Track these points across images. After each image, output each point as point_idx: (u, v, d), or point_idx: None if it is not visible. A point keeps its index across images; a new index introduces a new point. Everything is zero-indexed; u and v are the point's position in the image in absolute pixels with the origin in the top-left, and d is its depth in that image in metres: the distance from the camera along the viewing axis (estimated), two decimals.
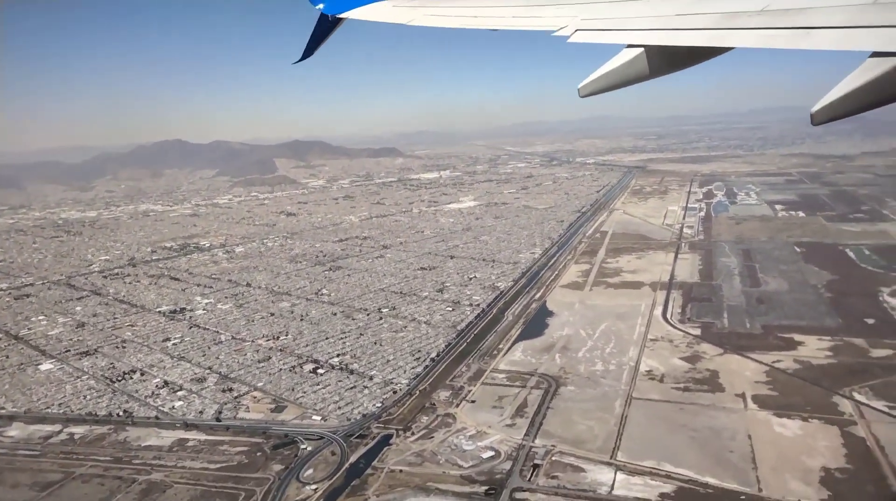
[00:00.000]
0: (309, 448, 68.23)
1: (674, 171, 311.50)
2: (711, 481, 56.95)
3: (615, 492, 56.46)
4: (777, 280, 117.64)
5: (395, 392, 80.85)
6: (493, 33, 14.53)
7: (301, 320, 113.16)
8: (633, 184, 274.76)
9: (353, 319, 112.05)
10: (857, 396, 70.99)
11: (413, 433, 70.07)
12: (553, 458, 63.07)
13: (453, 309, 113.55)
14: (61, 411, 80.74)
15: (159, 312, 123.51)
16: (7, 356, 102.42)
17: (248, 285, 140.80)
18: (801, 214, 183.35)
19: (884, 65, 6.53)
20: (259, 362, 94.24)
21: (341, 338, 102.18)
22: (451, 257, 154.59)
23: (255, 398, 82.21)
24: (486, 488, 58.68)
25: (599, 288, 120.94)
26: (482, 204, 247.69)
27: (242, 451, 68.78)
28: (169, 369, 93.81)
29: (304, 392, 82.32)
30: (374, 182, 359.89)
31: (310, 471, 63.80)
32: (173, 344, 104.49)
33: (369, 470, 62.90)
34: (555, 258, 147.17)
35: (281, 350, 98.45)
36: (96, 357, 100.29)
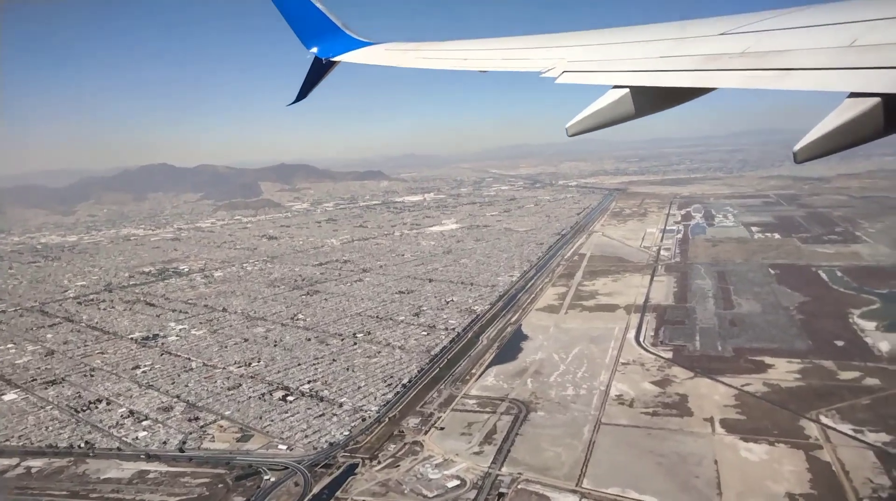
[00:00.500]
0: (272, 479, 67.01)
1: (654, 193, 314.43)
2: None
3: None
4: (750, 302, 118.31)
5: (363, 420, 79.92)
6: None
7: (274, 345, 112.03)
8: (614, 206, 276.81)
9: (327, 344, 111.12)
10: (823, 419, 71.07)
11: (379, 462, 69.12)
12: (519, 486, 62.36)
13: (428, 334, 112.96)
14: (20, 443, 78.92)
15: (131, 339, 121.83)
16: None
17: (224, 310, 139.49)
18: (777, 236, 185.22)
19: (861, 105, 6.76)
20: (229, 389, 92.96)
21: (313, 364, 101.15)
22: (430, 281, 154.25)
23: (221, 427, 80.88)
24: None
25: (575, 311, 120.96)
26: (464, 227, 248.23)
27: (204, 483, 67.43)
28: (136, 397, 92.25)
29: (272, 421, 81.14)
30: (358, 205, 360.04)
31: None
32: (143, 372, 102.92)
33: None
34: (532, 281, 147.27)
35: (252, 377, 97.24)
36: (63, 386, 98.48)
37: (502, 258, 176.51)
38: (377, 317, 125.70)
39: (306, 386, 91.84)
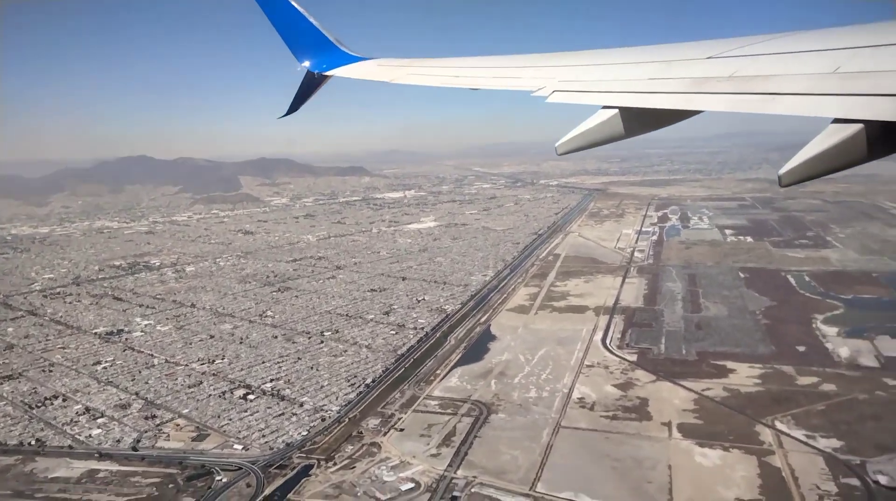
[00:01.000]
0: (224, 480, 66.07)
1: (633, 194, 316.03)
2: None
3: None
4: (718, 306, 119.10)
5: (323, 420, 79.17)
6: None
7: (240, 343, 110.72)
8: (592, 207, 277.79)
9: (294, 342, 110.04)
10: (778, 424, 71.59)
11: (335, 464, 68.48)
12: (473, 490, 62.05)
13: (397, 333, 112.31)
14: None
15: (95, 333, 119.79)
16: None
17: (193, 305, 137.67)
18: (749, 239, 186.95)
19: (844, 131, 6.89)
20: (189, 387, 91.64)
21: (278, 362, 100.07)
22: (403, 279, 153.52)
23: (177, 425, 79.67)
24: None
25: (545, 312, 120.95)
26: (442, 225, 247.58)
27: (154, 483, 66.30)
28: (94, 394, 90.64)
29: (230, 420, 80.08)
30: (338, 201, 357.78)
31: None
32: (103, 368, 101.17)
33: None
34: (505, 281, 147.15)
35: (214, 375, 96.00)
36: (19, 382, 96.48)
37: (477, 257, 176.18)
38: (347, 315, 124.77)
39: (268, 385, 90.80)
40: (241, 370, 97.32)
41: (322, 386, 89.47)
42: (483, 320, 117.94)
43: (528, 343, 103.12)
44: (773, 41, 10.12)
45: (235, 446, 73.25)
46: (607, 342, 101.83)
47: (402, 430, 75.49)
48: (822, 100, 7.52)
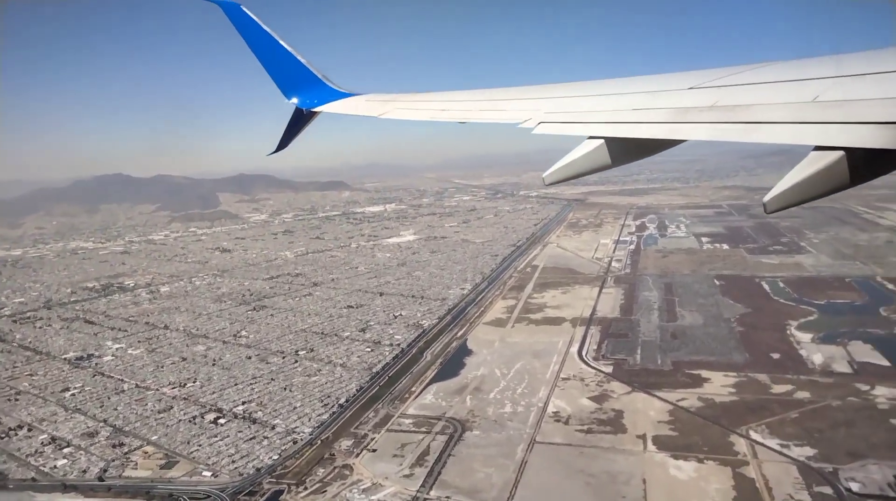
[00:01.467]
0: None
1: (611, 203, 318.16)
2: None
3: None
4: (693, 314, 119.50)
5: (295, 442, 77.70)
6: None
7: (213, 364, 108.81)
8: (571, 217, 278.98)
9: (268, 362, 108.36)
10: (752, 434, 71.52)
11: (306, 488, 67.16)
12: None
13: (372, 350, 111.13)
14: None
15: (65, 359, 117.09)
16: None
17: (166, 327, 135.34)
18: (725, 246, 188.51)
19: (825, 158, 7.02)
20: (159, 412, 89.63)
21: (251, 384, 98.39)
22: (381, 294, 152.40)
23: (146, 453, 77.73)
24: None
25: (521, 325, 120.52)
26: (422, 238, 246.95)
27: None
28: (60, 423, 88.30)
29: (200, 445, 78.31)
30: (318, 216, 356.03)
31: None
32: (71, 395, 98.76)
33: None
34: (483, 294, 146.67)
35: (185, 399, 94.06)
36: None
37: (456, 271, 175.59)
38: (322, 333, 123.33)
39: (240, 408, 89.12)
40: (213, 393, 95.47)
41: (295, 407, 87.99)
42: (460, 334, 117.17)
43: (504, 357, 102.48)
44: (753, 71, 10.37)
45: (204, 473, 71.55)
46: (583, 353, 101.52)
47: (374, 451, 74.31)
48: (802, 128, 7.70)
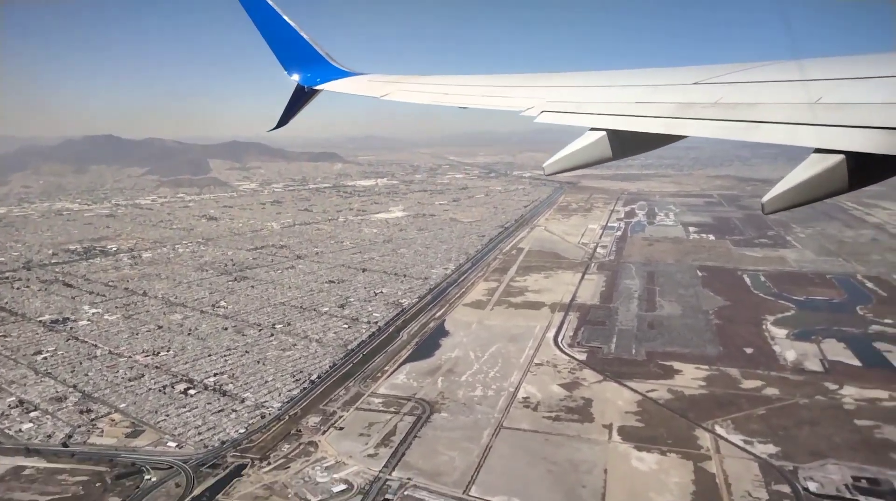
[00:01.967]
0: (154, 479, 64.27)
1: (603, 188, 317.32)
2: None
3: None
4: (672, 305, 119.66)
5: (263, 417, 77.57)
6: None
7: (188, 334, 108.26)
8: (562, 200, 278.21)
9: (244, 334, 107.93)
10: (718, 429, 71.86)
11: (269, 463, 67.09)
12: (406, 492, 61.19)
13: (350, 327, 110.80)
14: None
15: (40, 321, 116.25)
16: None
17: (145, 293, 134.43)
18: (712, 237, 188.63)
19: (826, 161, 6.99)
20: (129, 380, 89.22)
21: (224, 355, 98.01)
22: (363, 271, 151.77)
23: (112, 421, 77.45)
24: None
25: (501, 308, 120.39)
26: (410, 215, 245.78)
27: (82, 481, 64.27)
28: (30, 386, 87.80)
29: (167, 415, 78.05)
30: (308, 188, 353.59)
31: None
32: (43, 358, 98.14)
33: None
34: (466, 275, 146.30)
35: (157, 368, 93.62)
36: None
37: (441, 250, 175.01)
38: (301, 307, 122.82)
39: (211, 379, 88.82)
40: (186, 363, 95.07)
41: (266, 382, 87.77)
42: (438, 315, 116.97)
43: (480, 340, 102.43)
44: (757, 69, 10.31)
45: (169, 443, 71.37)
46: (559, 340, 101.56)
47: (341, 429, 74.30)
48: (803, 129, 7.65)
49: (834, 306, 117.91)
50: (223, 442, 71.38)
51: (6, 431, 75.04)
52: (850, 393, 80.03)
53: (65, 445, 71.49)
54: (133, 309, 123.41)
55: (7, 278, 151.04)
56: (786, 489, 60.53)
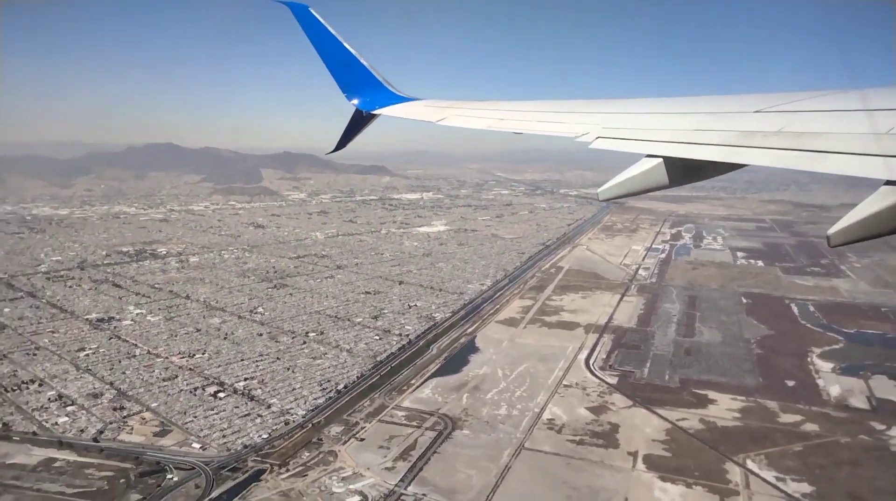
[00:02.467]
0: (175, 479, 65.54)
1: (650, 209, 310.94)
2: None
3: None
4: (712, 331, 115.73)
5: (287, 423, 78.35)
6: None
7: (224, 338, 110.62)
8: (607, 219, 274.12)
9: (277, 341, 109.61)
10: (749, 463, 68.72)
11: (288, 470, 67.58)
12: None
13: (381, 338, 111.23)
14: None
15: (86, 319, 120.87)
16: None
17: (188, 297, 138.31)
18: (760, 263, 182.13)
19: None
20: (163, 380, 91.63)
21: (256, 361, 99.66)
22: (400, 283, 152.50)
23: (143, 419, 79.54)
24: None
25: (534, 326, 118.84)
26: (452, 229, 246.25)
27: (107, 476, 66.08)
28: (70, 381, 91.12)
29: (195, 417, 79.69)
30: (355, 199, 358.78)
31: None
32: (86, 355, 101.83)
33: None
34: (502, 291, 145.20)
35: (191, 369, 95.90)
36: (2, 364, 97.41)
37: (479, 265, 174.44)
38: (335, 317, 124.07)
39: (241, 383, 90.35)
40: (219, 366, 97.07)
41: (294, 389, 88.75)
42: (470, 330, 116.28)
43: (510, 358, 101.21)
44: (820, 98, 10.15)
45: (194, 444, 72.77)
46: (591, 362, 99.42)
47: (362, 440, 74.32)
48: (873, 160, 7.36)
49: (887, 341, 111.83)
50: (245, 446, 72.35)
51: (44, 424, 77.91)
52: None
53: (95, 440, 73.72)
54: (175, 311, 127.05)
55: (62, 276, 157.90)
56: None
